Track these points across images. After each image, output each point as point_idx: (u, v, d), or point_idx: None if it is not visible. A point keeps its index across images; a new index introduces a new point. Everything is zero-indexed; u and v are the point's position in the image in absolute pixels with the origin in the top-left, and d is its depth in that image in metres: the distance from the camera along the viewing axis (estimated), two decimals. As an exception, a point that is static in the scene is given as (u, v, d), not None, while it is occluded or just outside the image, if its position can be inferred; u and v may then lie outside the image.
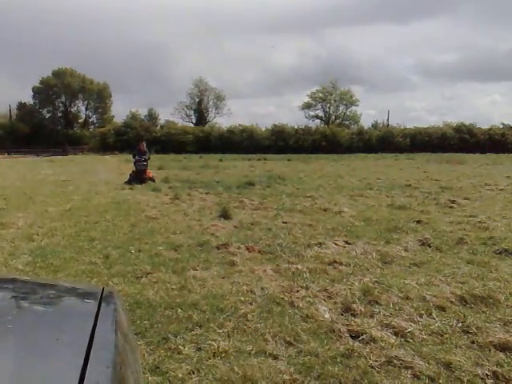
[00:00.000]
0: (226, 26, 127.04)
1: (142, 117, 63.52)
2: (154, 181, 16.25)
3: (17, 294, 1.37)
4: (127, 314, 1.48)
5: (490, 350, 3.37)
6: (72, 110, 68.91)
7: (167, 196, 12.42)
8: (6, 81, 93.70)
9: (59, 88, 65.59)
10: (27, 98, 67.07)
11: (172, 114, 78.88)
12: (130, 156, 17.83)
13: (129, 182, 15.87)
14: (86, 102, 69.34)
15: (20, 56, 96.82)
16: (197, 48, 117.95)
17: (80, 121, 69.62)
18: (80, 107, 70.02)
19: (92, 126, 68.74)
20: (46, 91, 65.62)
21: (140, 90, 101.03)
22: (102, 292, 1.35)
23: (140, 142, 18.47)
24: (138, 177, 16.20)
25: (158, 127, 60.57)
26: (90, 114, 70.63)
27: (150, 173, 16.97)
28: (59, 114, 68.15)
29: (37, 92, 66.09)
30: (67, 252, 6.26)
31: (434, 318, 3.95)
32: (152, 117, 66.33)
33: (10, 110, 64.33)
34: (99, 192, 13.47)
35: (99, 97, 68.75)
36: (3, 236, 7.29)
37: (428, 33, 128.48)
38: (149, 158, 17.17)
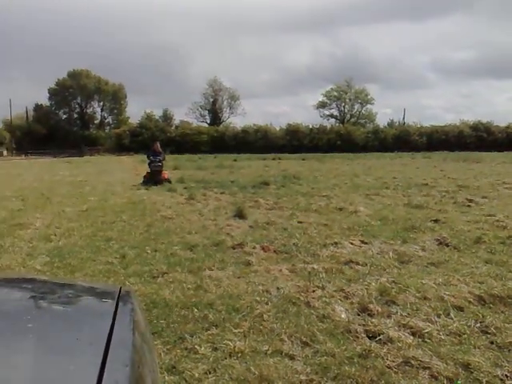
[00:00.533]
0: (241, 25, 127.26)
1: (157, 117, 63.99)
2: (170, 182, 15.80)
3: (36, 294, 1.38)
4: (144, 313, 1.48)
5: (509, 350, 3.33)
6: (88, 111, 69.61)
7: (182, 196, 12.46)
8: (22, 82, 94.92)
9: (75, 89, 66.26)
10: (43, 99, 67.95)
11: (186, 115, 78.99)
12: (145, 157, 17.56)
13: (144, 184, 15.45)
14: (101, 103, 69.99)
15: (36, 58, 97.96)
16: (211, 48, 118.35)
17: (96, 122, 70.26)
18: (96, 108, 70.76)
19: (108, 127, 69.37)
20: (61, 93, 66.33)
21: (155, 90, 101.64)
22: (120, 291, 1.36)
23: (154, 142, 17.86)
24: (153, 178, 15.76)
25: (173, 127, 60.99)
26: (106, 115, 71.31)
27: (166, 174, 16.45)
28: (75, 115, 68.89)
29: (53, 93, 66.83)
30: (84, 252, 6.32)
31: (452, 319, 3.90)
32: (167, 117, 66.71)
33: (27, 112, 65.14)
34: (115, 192, 13.58)
35: (114, 98, 69.30)
36: (21, 236, 7.38)
37: (444, 30, 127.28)
38: (164, 159, 16.71)
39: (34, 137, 58.17)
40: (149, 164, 16.43)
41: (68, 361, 0.94)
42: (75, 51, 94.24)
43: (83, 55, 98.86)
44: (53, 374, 0.89)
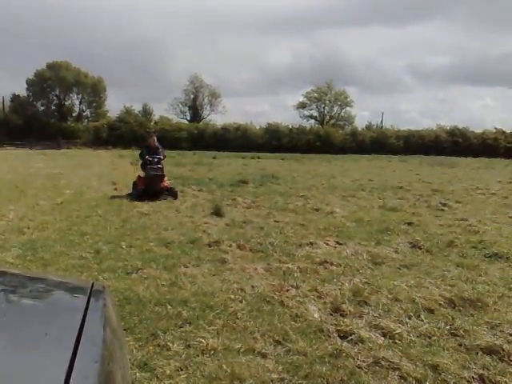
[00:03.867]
0: (223, 23, 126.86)
1: (137, 112, 63.20)
2: (175, 194, 11.11)
3: (6, 287, 1.36)
4: (116, 309, 1.48)
5: (477, 353, 3.40)
6: (66, 103, 68.34)
7: (160, 192, 12.36)
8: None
9: (53, 81, 65.06)
10: (21, 90, 66.63)
11: (166, 110, 77.99)
12: (123, 152, 15.99)
13: (137, 196, 10.77)
14: (80, 95, 68.79)
15: (14, 48, 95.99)
16: (193, 45, 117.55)
17: (74, 114, 69.05)
18: (74, 101, 69.41)
19: (86, 120, 68.22)
20: (40, 84, 65.07)
21: (135, 85, 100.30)
22: (92, 287, 1.35)
23: (150, 135, 12.89)
24: (150, 187, 10.86)
25: (153, 123, 60.32)
26: (84, 107, 70.06)
27: (167, 181, 11.58)
28: (53, 107, 67.61)
29: (31, 84, 65.51)
30: (58, 246, 6.24)
31: (423, 320, 3.97)
32: (146, 112, 65.93)
33: (4, 102, 63.84)
34: (91, 186, 13.42)
35: (93, 91, 68.23)
36: (-7, 228, 7.24)
37: (422, 36, 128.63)
38: (164, 158, 11.81)
39: (10, 128, 56.99)
40: (142, 166, 11.55)
41: (36, 356, 0.93)
42: (55, 43, 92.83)
43: (63, 47, 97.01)
44: (21, 370, 0.88)
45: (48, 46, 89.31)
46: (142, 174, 11.53)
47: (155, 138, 12.02)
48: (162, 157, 11.56)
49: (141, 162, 11.70)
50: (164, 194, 11.02)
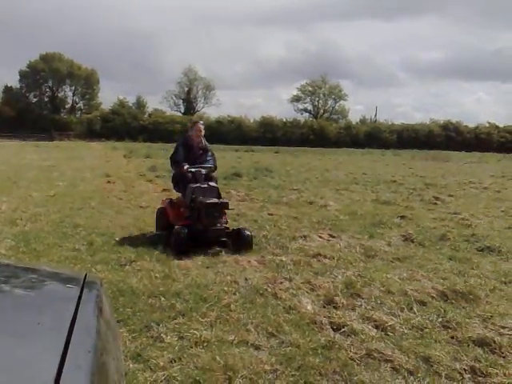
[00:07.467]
0: (217, 16, 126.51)
1: (130, 104, 62.92)
2: (247, 242, 5.83)
3: (-1, 278, 1.36)
4: (109, 300, 1.47)
5: (468, 345, 3.42)
6: (59, 95, 67.92)
7: (156, 185, 12.34)
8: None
9: (47, 72, 64.60)
10: (13, 81, 66.18)
11: (160, 103, 77.52)
12: (116, 144, 13.97)
13: (178, 249, 5.59)
14: (73, 87, 68.36)
15: (6, 39, 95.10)
16: (187, 38, 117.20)
17: (67, 106, 68.66)
18: (67, 92, 69.01)
19: (79, 112, 67.87)
20: (33, 75, 64.62)
21: (129, 77, 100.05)
22: (85, 278, 1.35)
23: (193, 124, 7.22)
24: (204, 228, 5.79)
25: (146, 115, 60.13)
26: (78, 99, 69.66)
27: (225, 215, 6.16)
28: (46, 99, 67.18)
29: (24, 76, 65.06)
30: (51, 238, 6.22)
31: (415, 313, 3.99)
32: (140, 105, 65.62)
33: (-4, 94, 63.40)
34: (84, 178, 13.36)
35: (87, 82, 67.81)
36: (-14, 220, 7.20)
37: (415, 30, 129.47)
38: (215, 168, 6.95)
39: (3, 119, 56.58)
40: (176, 182, 6.73)
41: (30, 346, 0.93)
42: (49, 34, 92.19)
43: (57, 39, 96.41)
44: (14, 359, 0.88)
45: (41, 37, 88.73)
46: (178, 196, 6.80)
47: (202, 130, 6.90)
48: (212, 166, 6.83)
49: (173, 173, 6.88)
50: (225, 240, 5.98)
